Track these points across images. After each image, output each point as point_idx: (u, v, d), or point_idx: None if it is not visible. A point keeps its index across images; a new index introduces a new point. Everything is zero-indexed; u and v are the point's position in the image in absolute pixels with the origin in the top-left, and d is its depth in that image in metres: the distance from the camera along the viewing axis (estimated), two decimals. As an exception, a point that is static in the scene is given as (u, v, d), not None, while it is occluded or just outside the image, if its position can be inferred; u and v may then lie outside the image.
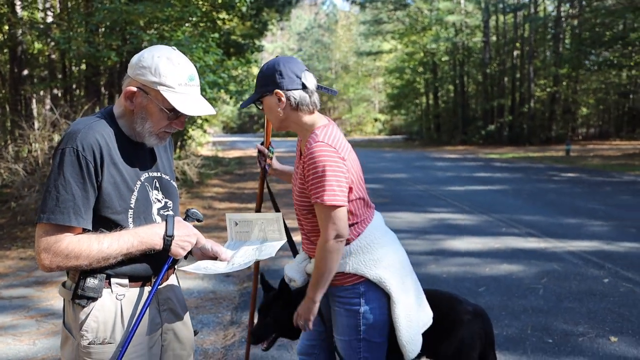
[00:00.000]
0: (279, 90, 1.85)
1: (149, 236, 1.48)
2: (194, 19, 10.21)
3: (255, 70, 30.68)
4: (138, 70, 1.52)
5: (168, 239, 1.49)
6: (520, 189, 11.40)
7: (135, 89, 1.52)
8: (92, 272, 1.47)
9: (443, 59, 37.13)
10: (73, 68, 12.50)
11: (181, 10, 9.15)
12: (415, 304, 2.02)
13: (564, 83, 31.80)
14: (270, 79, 1.86)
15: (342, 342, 1.99)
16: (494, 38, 35.29)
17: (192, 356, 1.77)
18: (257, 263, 2.46)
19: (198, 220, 1.65)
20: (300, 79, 1.86)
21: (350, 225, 1.91)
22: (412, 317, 1.98)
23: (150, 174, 1.62)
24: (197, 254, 1.68)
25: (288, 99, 1.86)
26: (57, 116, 7.54)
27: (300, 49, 67.36)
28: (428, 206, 9.43)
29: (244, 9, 12.46)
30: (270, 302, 2.25)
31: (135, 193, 1.54)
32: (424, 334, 2.19)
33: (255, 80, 2.02)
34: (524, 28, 32.36)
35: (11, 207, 7.80)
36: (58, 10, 11.10)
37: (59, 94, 12.24)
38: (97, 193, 1.46)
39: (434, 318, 2.26)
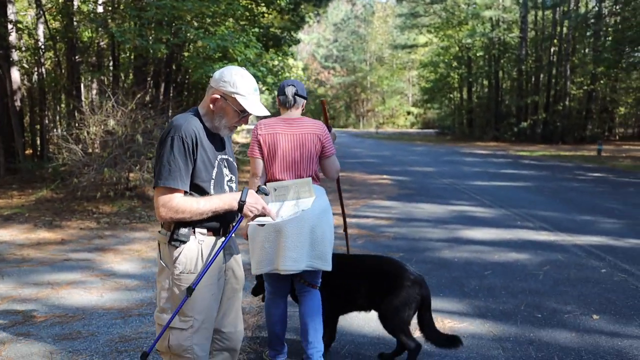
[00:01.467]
0: (277, 95, 3.26)
1: (230, 200, 2.17)
2: (237, 13, 10.89)
3: (291, 61, 31.25)
4: (220, 83, 2.20)
5: (241, 203, 2.17)
6: (544, 186, 11.74)
7: (218, 96, 2.20)
8: (183, 224, 2.15)
9: (478, 54, 36.99)
10: (122, 57, 13.41)
11: (226, 7, 9.83)
12: (267, 249, 2.99)
13: (602, 81, 31.32)
14: (278, 89, 3.29)
15: None
16: (531, 34, 34.94)
17: (242, 291, 2.47)
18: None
19: (265, 194, 2.35)
20: (283, 90, 3.17)
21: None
22: (257, 251, 3.03)
23: (222, 155, 2.30)
24: None
25: (279, 99, 3.22)
26: (113, 103, 8.37)
27: (336, 39, 67.67)
28: (451, 199, 9.94)
29: (283, 3, 13.08)
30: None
31: (215, 168, 2.22)
32: (372, 289, 3.17)
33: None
34: (562, 25, 31.95)
35: (69, 184, 8.70)
36: (111, 6, 11.95)
37: (105, 81, 13.18)
38: (193, 166, 2.13)
39: (382, 278, 3.15)
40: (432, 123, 52.77)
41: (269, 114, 2.26)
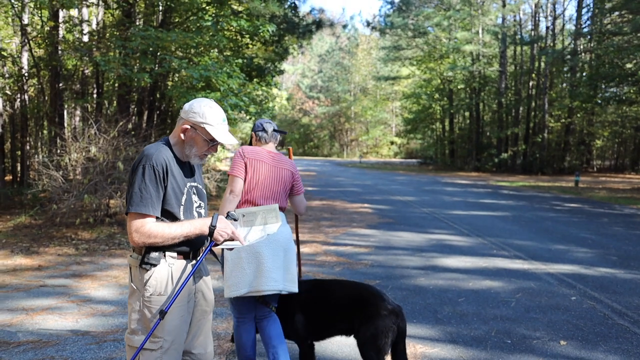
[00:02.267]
0: (252, 132, 3.56)
1: (201, 225, 2.27)
2: (221, 44, 11.13)
3: (275, 91, 31.40)
4: (190, 114, 2.33)
5: (212, 228, 2.27)
6: (521, 216, 11.98)
7: (188, 126, 2.34)
8: (154, 248, 2.24)
9: (459, 86, 37.91)
10: (106, 85, 13.54)
11: (210, 38, 10.07)
12: (246, 270, 3.12)
13: (579, 115, 32.26)
14: (254, 126, 3.57)
15: None
16: (511, 68, 36.00)
17: (212, 312, 2.54)
18: None
19: (234, 220, 2.45)
20: (262, 126, 3.50)
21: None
22: (235, 274, 3.13)
23: (191, 183, 2.42)
24: None
25: (257, 135, 3.52)
26: (95, 130, 8.44)
27: (321, 70, 68.74)
28: (429, 227, 10.10)
29: (266, 35, 13.38)
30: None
31: (185, 195, 2.34)
32: (354, 317, 3.20)
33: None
34: (540, 60, 33.02)
35: (48, 210, 8.68)
36: (96, 35, 12.14)
37: (89, 108, 13.25)
38: (164, 193, 2.24)
39: (360, 305, 3.20)
40: (415, 153, 53.53)
41: (236, 142, 2.40)
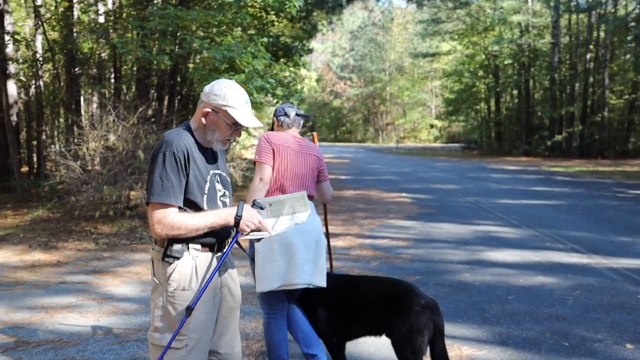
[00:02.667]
0: (274, 117, 3.60)
1: (226, 215, 2.28)
2: (245, 22, 11.15)
3: (303, 72, 31.37)
4: (211, 97, 2.33)
5: (238, 218, 2.27)
6: (578, 204, 11.68)
7: (209, 110, 2.34)
8: (177, 240, 2.26)
9: (506, 62, 37.00)
10: (124, 68, 13.78)
11: (232, 16, 10.09)
12: (279, 262, 3.16)
13: (645, 90, 31.10)
14: (276, 111, 3.64)
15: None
16: (565, 39, 34.92)
17: (239, 309, 2.56)
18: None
19: (261, 208, 2.44)
20: (284, 111, 3.56)
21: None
22: (267, 266, 3.16)
23: (215, 170, 2.43)
24: None
25: (278, 120, 3.56)
26: (114, 117, 8.61)
27: (353, 48, 68.28)
28: (474, 218, 9.95)
29: (293, 11, 13.33)
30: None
31: (208, 183, 2.35)
32: (381, 314, 3.21)
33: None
34: (599, 29, 31.91)
35: (66, 203, 8.92)
36: (112, 15, 12.34)
37: (106, 93, 13.53)
38: (186, 181, 2.26)
39: (394, 302, 3.20)
40: (458, 137, 52.73)
41: (261, 125, 2.39)
